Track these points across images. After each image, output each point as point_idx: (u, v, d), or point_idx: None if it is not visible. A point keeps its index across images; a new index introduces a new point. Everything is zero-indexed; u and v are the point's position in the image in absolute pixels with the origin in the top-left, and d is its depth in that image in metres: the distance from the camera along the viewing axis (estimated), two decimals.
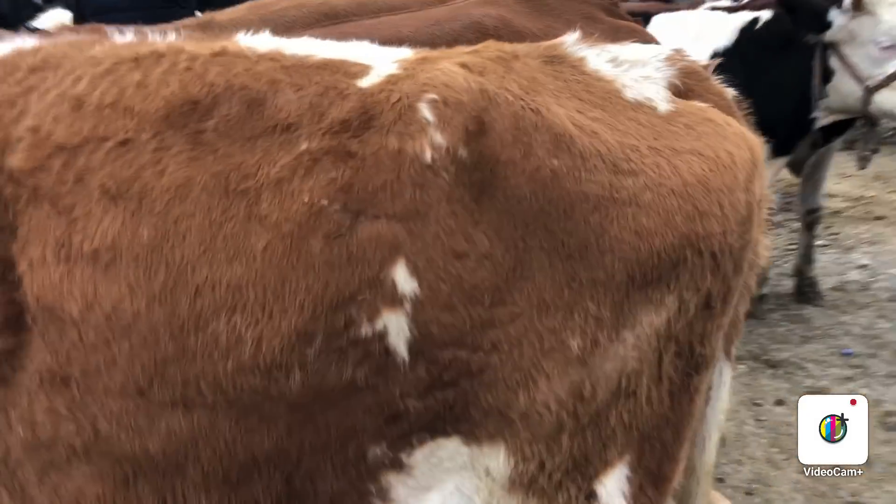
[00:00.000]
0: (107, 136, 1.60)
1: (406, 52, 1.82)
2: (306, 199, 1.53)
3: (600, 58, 1.83)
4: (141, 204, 1.54)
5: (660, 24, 4.86)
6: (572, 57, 1.82)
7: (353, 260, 1.53)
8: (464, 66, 1.67)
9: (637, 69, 1.83)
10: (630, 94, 1.78)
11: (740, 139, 1.76)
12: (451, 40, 2.31)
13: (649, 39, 2.65)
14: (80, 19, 5.05)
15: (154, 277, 1.50)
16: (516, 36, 2.42)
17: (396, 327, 1.57)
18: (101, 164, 1.57)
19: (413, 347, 1.59)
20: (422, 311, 1.57)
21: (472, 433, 1.67)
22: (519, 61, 1.78)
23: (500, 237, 1.59)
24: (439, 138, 1.56)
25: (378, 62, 1.76)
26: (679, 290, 1.67)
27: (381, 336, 1.57)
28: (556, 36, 2.40)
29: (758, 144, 1.81)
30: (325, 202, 1.53)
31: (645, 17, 4.91)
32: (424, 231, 1.56)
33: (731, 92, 1.95)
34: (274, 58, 1.74)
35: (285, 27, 2.98)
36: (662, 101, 1.78)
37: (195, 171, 1.55)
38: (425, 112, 1.58)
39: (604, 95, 1.76)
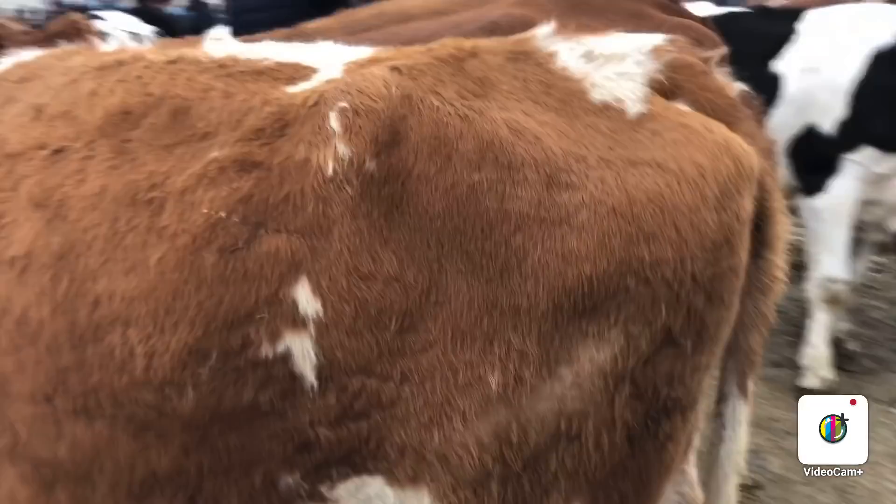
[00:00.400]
0: (46, 144, 1.62)
1: (363, 53, 1.71)
2: (205, 210, 1.46)
3: (573, 52, 1.62)
4: (58, 212, 1.54)
5: (814, 20, 4.35)
6: (541, 52, 1.62)
7: (250, 276, 1.44)
8: (395, 69, 1.53)
9: (612, 65, 1.59)
10: (598, 94, 1.55)
11: (720, 149, 1.48)
12: None
13: (703, 36, 2.34)
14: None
15: (58, 286, 1.49)
16: None
17: (301, 350, 1.46)
18: (34, 172, 1.59)
19: (321, 373, 1.47)
20: (326, 335, 1.46)
21: (392, 473, 1.53)
22: (476, 59, 1.60)
23: (412, 258, 1.43)
24: (344, 149, 1.44)
25: (327, 66, 1.66)
26: (624, 323, 1.43)
27: (285, 359, 1.46)
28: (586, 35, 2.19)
29: (750, 155, 1.52)
30: (223, 213, 1.45)
31: (795, 13, 4.44)
32: (328, 248, 1.44)
33: (736, 88, 1.66)
34: (223, 64, 1.70)
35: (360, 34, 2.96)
36: (635, 101, 1.54)
37: (110, 180, 1.53)
38: (333, 121, 1.46)
39: (564, 97, 1.55)
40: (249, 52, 1.75)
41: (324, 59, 1.70)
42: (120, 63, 1.74)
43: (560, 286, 1.40)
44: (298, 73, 1.66)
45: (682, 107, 1.56)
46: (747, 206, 1.51)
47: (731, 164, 1.47)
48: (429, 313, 1.44)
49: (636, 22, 2.31)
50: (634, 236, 1.40)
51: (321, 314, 1.44)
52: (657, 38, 1.65)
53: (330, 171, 1.43)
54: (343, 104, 1.46)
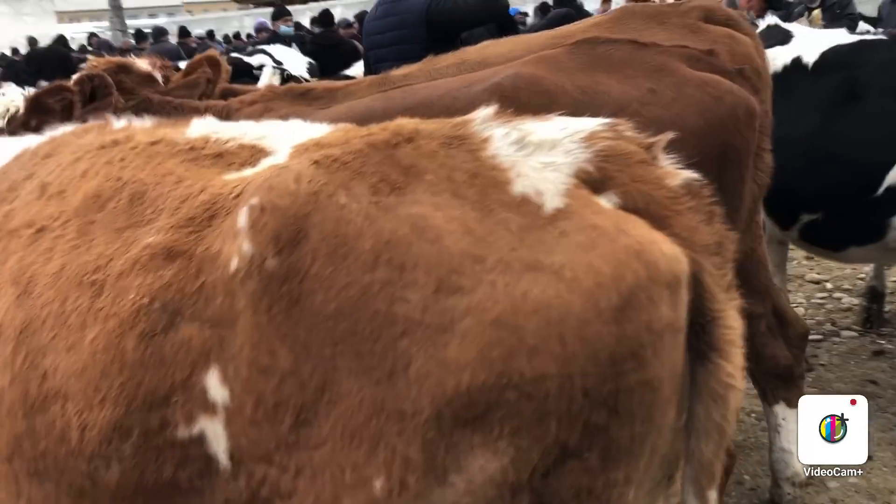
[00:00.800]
0: (34, 222, 1.78)
1: (317, 133, 1.74)
2: (132, 295, 1.55)
3: (507, 139, 1.55)
4: (26, 288, 1.69)
5: None
6: (476, 138, 1.58)
7: (167, 361, 1.52)
8: (315, 162, 1.54)
9: (541, 153, 1.52)
10: (520, 186, 1.49)
11: (629, 254, 1.37)
12: (468, 104, 2.13)
13: (724, 93, 2.14)
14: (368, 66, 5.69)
15: (17, 358, 1.64)
16: (542, 96, 2.14)
17: (213, 434, 1.52)
18: (19, 249, 1.76)
19: (233, 456, 1.53)
20: (233, 422, 1.51)
21: None
22: (410, 145, 1.59)
23: (309, 355, 1.45)
24: (247, 246, 1.48)
25: (279, 148, 1.71)
26: (511, 435, 1.37)
27: (200, 441, 1.53)
28: (598, 93, 2.12)
29: (671, 259, 1.40)
30: (146, 300, 1.54)
31: None
32: (234, 340, 1.49)
33: (682, 178, 1.52)
34: (194, 147, 1.79)
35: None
36: (555, 195, 1.46)
37: (69, 260, 1.67)
38: (242, 216, 1.50)
39: (485, 188, 1.50)
40: (223, 133, 1.83)
41: (282, 140, 1.75)
42: (115, 143, 1.88)
43: (441, 394, 1.37)
44: (253, 156, 1.72)
45: (603, 202, 1.47)
46: (665, 314, 1.39)
47: (642, 271, 1.36)
48: (323, 410, 1.45)
49: (656, 77, 2.18)
50: (515, 349, 1.34)
51: (228, 402, 1.50)
52: (593, 123, 1.55)
53: (234, 265, 1.48)
54: (254, 200, 1.50)
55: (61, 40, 18.06)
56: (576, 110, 2.15)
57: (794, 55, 4.59)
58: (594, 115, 2.14)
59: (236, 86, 4.11)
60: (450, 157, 1.56)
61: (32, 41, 21.97)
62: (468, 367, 1.35)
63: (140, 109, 3.45)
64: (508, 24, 8.42)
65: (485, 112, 1.61)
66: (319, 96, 3.20)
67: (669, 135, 1.56)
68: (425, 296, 1.39)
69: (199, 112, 3.39)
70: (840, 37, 4.61)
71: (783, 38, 4.85)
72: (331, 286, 1.43)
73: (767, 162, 2.30)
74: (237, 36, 23.80)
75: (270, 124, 1.87)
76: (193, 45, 16.98)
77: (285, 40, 11.29)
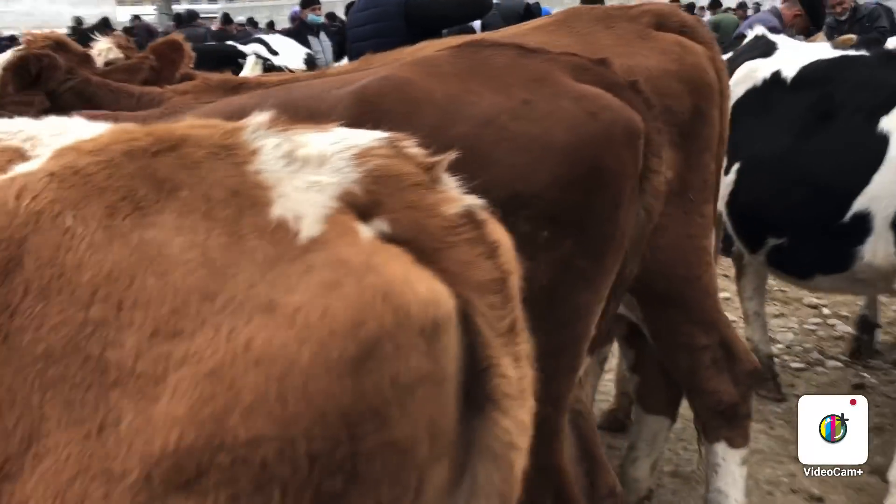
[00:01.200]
0: None
1: (85, 136, 1.52)
2: None
3: (276, 151, 1.34)
4: None
5: None
6: (245, 148, 1.36)
7: None
8: (50, 174, 1.34)
9: (309, 171, 1.31)
10: (279, 209, 1.27)
11: (374, 295, 1.15)
12: (330, 108, 1.93)
13: (602, 109, 1.89)
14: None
15: None
16: (406, 103, 1.92)
17: None
18: None
19: None
20: None
21: None
22: (173, 153, 1.37)
23: (15, 402, 1.24)
24: None
25: (44, 152, 1.50)
26: (236, 501, 1.16)
27: None
28: (467, 103, 1.92)
29: (428, 302, 1.18)
30: None
31: None
32: None
33: (462, 205, 1.30)
34: None
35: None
36: (314, 222, 1.25)
37: None
38: None
39: (242, 210, 1.28)
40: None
41: (50, 143, 1.54)
42: None
43: (150, 455, 1.16)
44: (9, 162, 1.51)
45: (365, 231, 1.24)
46: (417, 364, 1.17)
47: (388, 316, 1.14)
48: (28, 465, 1.24)
49: (534, 87, 1.96)
50: (230, 406, 1.12)
51: None
52: (369, 138, 1.33)
53: None
54: None
55: (105, 22, 18.31)
56: (441, 120, 1.94)
57: (774, 69, 4.33)
58: (459, 126, 1.93)
59: (196, 73, 3.96)
60: (212, 171, 1.34)
61: (78, 21, 22.24)
62: (177, 426, 1.14)
63: (78, 91, 3.31)
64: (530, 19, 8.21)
65: (259, 118, 1.40)
66: (252, 90, 3.01)
67: (452, 155, 1.34)
68: (140, 340, 1.18)
69: (134, 97, 3.26)
70: (824, 51, 4.34)
71: (767, 49, 4.59)
72: (41, 324, 1.23)
73: (657, 185, 2.05)
74: (271, 25, 23.95)
75: (52, 122, 1.66)
76: (234, 31, 17.21)
77: (313, 29, 11.53)
